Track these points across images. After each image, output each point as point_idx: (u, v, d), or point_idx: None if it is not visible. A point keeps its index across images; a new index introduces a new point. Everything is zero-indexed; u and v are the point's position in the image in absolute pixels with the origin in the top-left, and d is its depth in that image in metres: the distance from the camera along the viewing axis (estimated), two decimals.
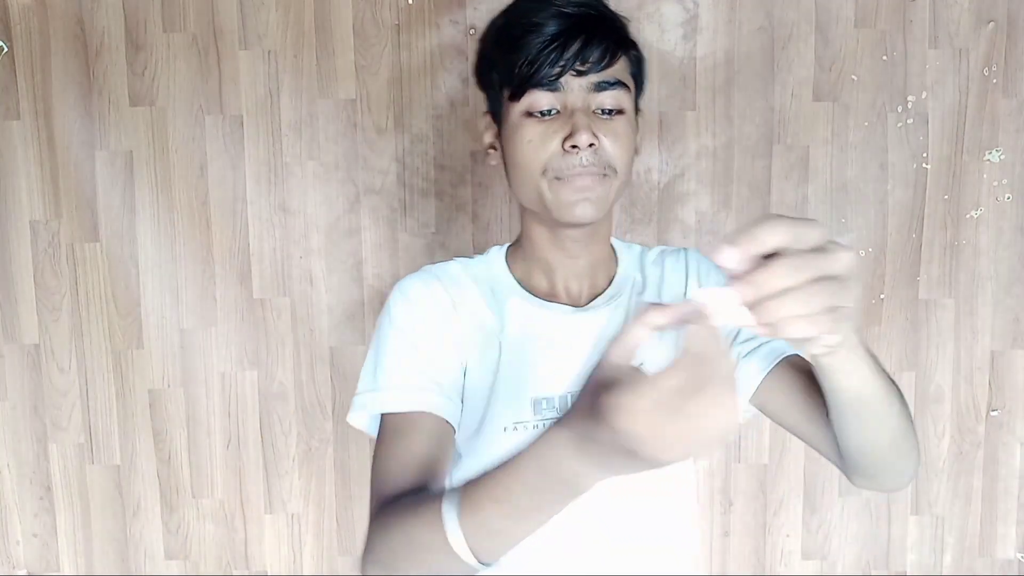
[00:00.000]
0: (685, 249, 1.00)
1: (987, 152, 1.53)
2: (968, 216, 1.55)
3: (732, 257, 0.46)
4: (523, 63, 0.81)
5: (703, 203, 1.55)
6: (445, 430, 0.82)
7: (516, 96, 0.83)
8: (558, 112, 0.82)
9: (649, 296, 0.93)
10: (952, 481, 1.62)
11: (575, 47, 0.80)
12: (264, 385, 1.59)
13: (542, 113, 0.82)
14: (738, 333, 0.90)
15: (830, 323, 0.48)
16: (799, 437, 0.86)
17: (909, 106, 1.52)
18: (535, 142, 0.82)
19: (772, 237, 0.46)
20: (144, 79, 1.51)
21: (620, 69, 0.85)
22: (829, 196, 1.55)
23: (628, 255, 0.97)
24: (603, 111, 0.83)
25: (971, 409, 1.60)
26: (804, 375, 0.84)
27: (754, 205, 1.53)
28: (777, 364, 0.87)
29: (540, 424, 0.85)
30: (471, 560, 0.60)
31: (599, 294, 0.93)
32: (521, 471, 0.55)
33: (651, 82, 1.51)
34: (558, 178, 0.82)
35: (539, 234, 0.90)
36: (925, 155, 1.53)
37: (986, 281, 1.57)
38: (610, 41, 0.83)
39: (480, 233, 1.55)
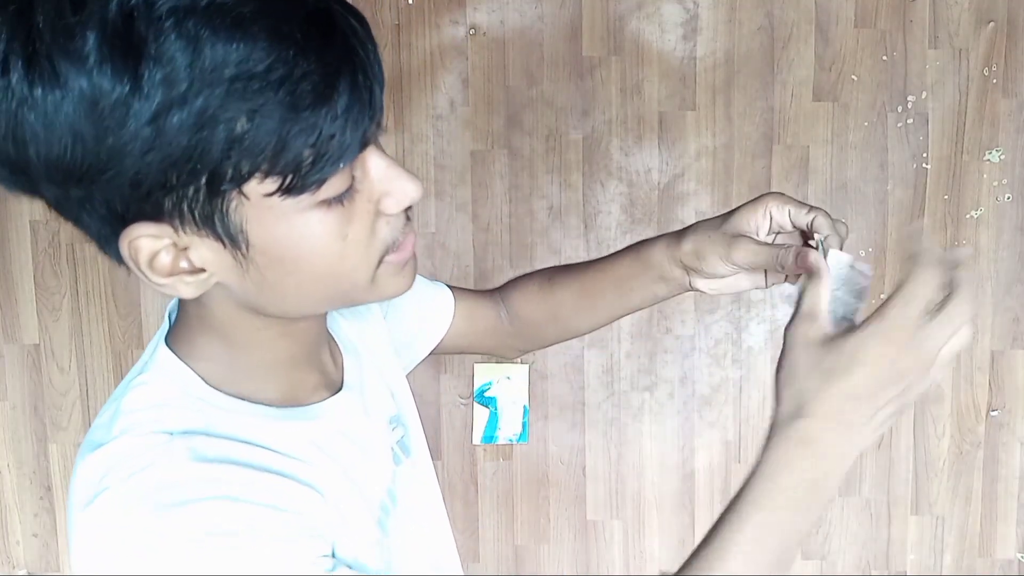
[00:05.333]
0: None
1: (987, 152, 1.53)
2: (968, 216, 1.55)
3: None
4: (309, 138, 0.44)
5: (703, 203, 1.55)
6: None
7: (302, 189, 0.46)
8: (350, 186, 0.49)
9: (367, 357, 0.71)
10: (952, 481, 1.62)
11: (363, 81, 0.46)
12: None
13: (339, 199, 0.49)
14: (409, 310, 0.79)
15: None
16: (470, 351, 0.85)
17: (909, 106, 1.52)
18: (355, 234, 0.50)
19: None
20: None
21: None
22: (829, 196, 1.55)
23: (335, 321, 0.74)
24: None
25: (971, 409, 1.60)
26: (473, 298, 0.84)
27: None
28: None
29: (388, 523, 0.64)
30: None
31: (336, 355, 0.67)
32: (780, 479, 0.55)
33: (651, 82, 1.51)
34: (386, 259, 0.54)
35: (274, 336, 0.57)
36: (925, 155, 1.53)
37: (986, 281, 1.57)
38: (375, 44, 0.49)
39: (480, 233, 1.55)
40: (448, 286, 0.82)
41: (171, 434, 0.50)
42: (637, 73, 1.52)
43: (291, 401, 0.58)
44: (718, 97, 1.52)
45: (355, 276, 0.51)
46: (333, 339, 0.67)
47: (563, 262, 1.57)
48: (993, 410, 1.60)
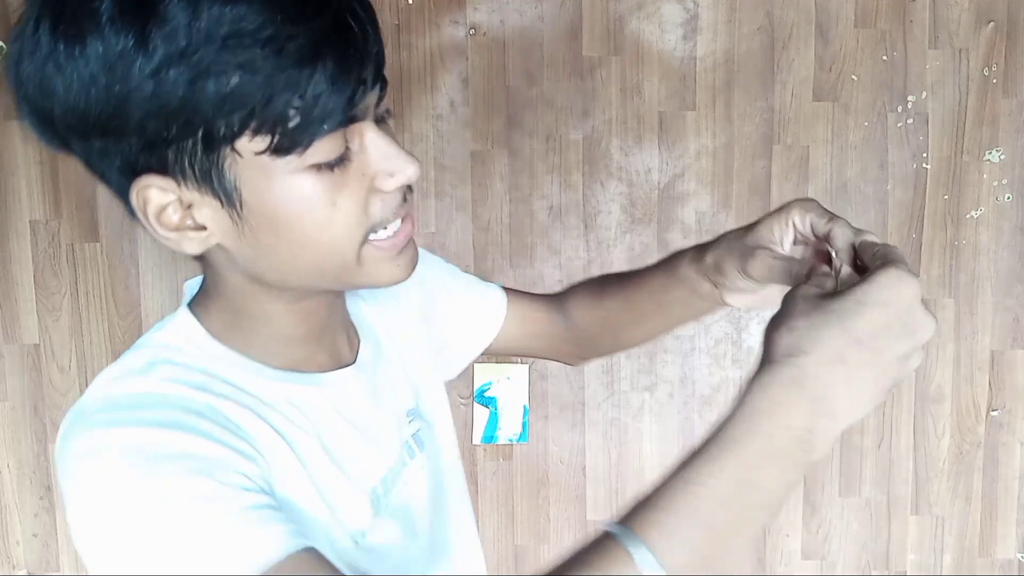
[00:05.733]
0: None
1: (987, 152, 1.53)
2: (968, 216, 1.55)
3: None
4: (296, 99, 0.47)
5: (703, 203, 1.55)
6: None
7: (289, 149, 0.49)
8: (344, 153, 0.51)
9: (386, 347, 0.72)
10: (952, 481, 1.62)
11: (356, 50, 0.49)
12: None
13: (330, 165, 0.51)
14: (450, 304, 0.79)
15: None
16: (528, 354, 0.84)
17: (909, 106, 1.52)
18: (345, 202, 0.52)
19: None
20: None
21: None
22: (829, 196, 1.55)
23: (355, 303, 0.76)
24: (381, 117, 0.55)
25: (971, 409, 1.60)
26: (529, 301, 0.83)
27: (754, 205, 1.53)
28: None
29: (383, 517, 0.63)
30: None
31: (351, 335, 0.69)
32: (737, 449, 0.44)
33: (651, 82, 1.51)
34: (378, 238, 0.55)
35: (281, 311, 0.59)
36: (925, 155, 1.53)
37: (986, 281, 1.57)
38: (374, 17, 0.52)
39: (480, 233, 1.55)
40: (504, 288, 0.82)
41: (153, 363, 0.55)
42: (637, 73, 1.52)
43: (293, 368, 0.61)
44: (718, 97, 1.52)
45: (342, 248, 0.52)
46: (353, 327, 0.69)
47: (563, 262, 1.57)
48: (993, 410, 1.60)
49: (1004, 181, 1.54)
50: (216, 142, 0.48)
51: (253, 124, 0.47)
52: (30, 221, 1.55)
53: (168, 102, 0.46)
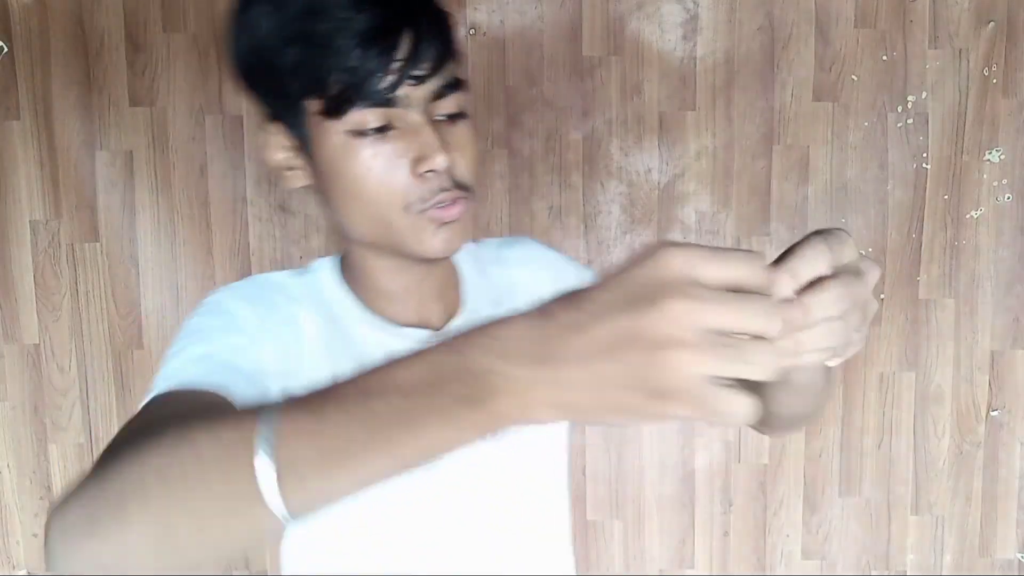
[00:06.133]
0: (516, 240, 0.89)
1: (987, 152, 1.53)
2: (968, 216, 1.55)
3: (788, 288, 0.40)
4: (340, 73, 0.60)
5: (703, 203, 1.54)
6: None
7: (334, 112, 0.62)
8: (392, 130, 0.63)
9: (507, 301, 0.72)
10: (952, 481, 1.62)
11: (406, 49, 0.61)
12: None
13: (369, 132, 0.63)
14: None
15: (851, 349, 0.44)
16: None
17: (909, 106, 1.52)
18: (378, 170, 0.63)
19: (817, 268, 0.40)
20: (144, 79, 1.51)
21: (455, 64, 0.68)
22: (829, 196, 1.55)
23: (464, 259, 0.82)
24: (444, 116, 0.66)
25: (971, 409, 1.60)
26: None
27: (754, 205, 1.53)
28: None
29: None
30: (277, 506, 0.40)
31: (454, 313, 0.76)
32: (391, 368, 0.40)
33: (651, 82, 1.51)
34: (418, 211, 0.65)
35: (379, 266, 0.71)
36: (925, 155, 1.53)
37: (986, 281, 1.57)
38: (444, 31, 0.65)
39: (479, 233, 1.55)
40: None
41: (293, 273, 0.74)
42: (637, 73, 1.52)
43: (386, 317, 0.73)
44: (718, 97, 1.52)
45: (380, 211, 0.64)
46: (459, 301, 0.78)
47: None
48: (993, 410, 1.60)
49: (1004, 181, 1.54)
50: (292, 99, 0.63)
51: (309, 88, 0.62)
52: (30, 221, 1.55)
53: (272, 62, 0.62)
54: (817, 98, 1.52)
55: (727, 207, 1.53)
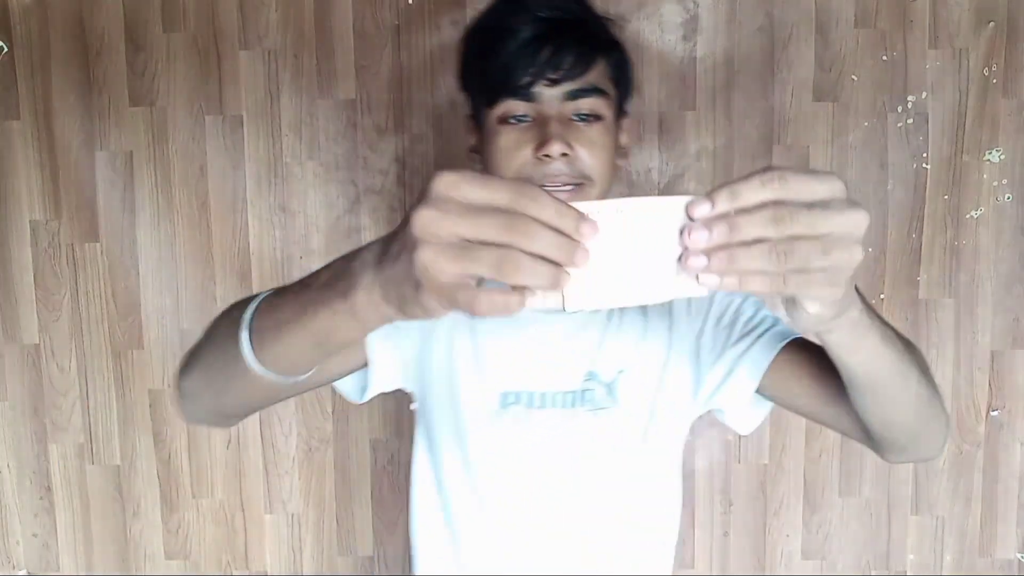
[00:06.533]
0: None
1: (987, 152, 1.53)
2: (968, 216, 1.55)
3: (703, 212, 0.44)
4: (496, 70, 0.80)
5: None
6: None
7: (490, 102, 0.82)
8: (532, 119, 0.81)
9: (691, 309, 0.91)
10: (952, 481, 1.62)
11: (547, 54, 0.79)
12: None
13: (516, 119, 0.81)
14: (742, 318, 0.86)
15: (804, 285, 0.45)
16: (819, 423, 0.82)
17: (909, 106, 1.52)
18: (508, 149, 0.81)
19: (759, 194, 0.44)
20: (144, 79, 1.51)
21: (597, 75, 0.82)
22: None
23: None
24: (579, 117, 0.81)
25: (971, 409, 1.60)
26: (815, 356, 0.79)
27: None
28: (784, 347, 0.81)
29: (506, 416, 0.86)
30: (250, 357, 0.60)
31: None
32: (319, 295, 0.54)
33: (651, 82, 1.51)
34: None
35: None
36: (925, 155, 1.53)
37: (986, 281, 1.57)
38: (585, 47, 0.81)
39: None
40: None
41: None
42: (637, 73, 1.51)
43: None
44: (718, 97, 1.52)
45: None
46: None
47: None
48: (993, 410, 1.60)
49: (1004, 181, 1.54)
50: (472, 94, 0.88)
51: (478, 83, 0.85)
52: (30, 221, 1.55)
53: (464, 69, 0.90)
54: (817, 98, 1.52)
55: None
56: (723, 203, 0.44)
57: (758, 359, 0.82)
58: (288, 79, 1.51)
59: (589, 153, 0.80)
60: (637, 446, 0.88)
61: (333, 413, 1.60)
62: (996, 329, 1.58)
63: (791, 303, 0.51)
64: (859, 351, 0.58)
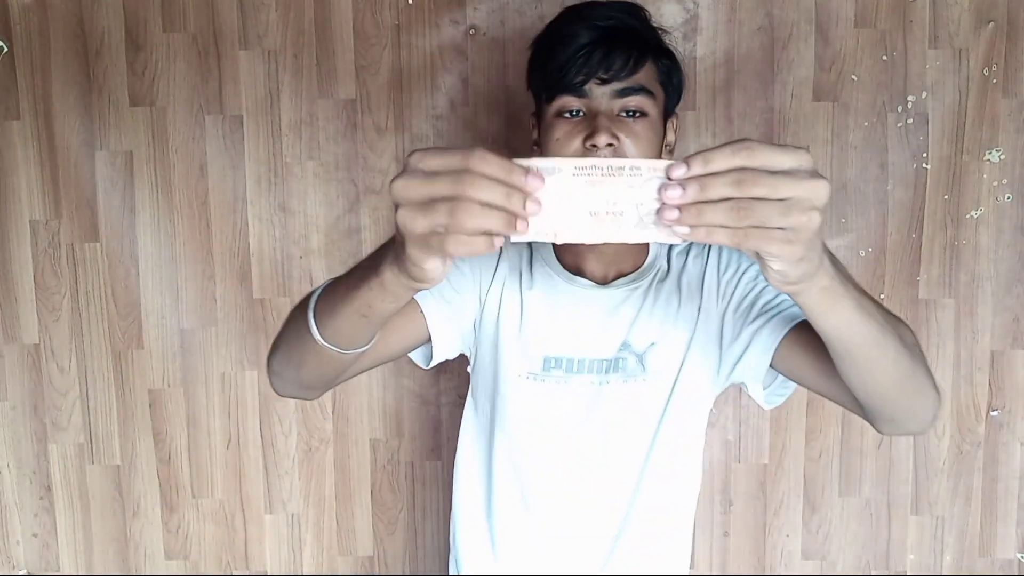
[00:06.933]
0: None
1: (987, 152, 1.53)
2: (968, 216, 1.55)
3: (679, 174, 0.53)
4: (554, 70, 0.92)
5: None
6: (414, 310, 0.95)
7: (549, 99, 0.93)
8: (584, 114, 0.91)
9: (669, 284, 1.01)
10: (952, 481, 1.62)
11: (599, 56, 0.89)
12: (264, 385, 1.59)
13: (571, 114, 0.92)
14: (760, 300, 0.94)
15: (763, 241, 0.53)
16: (824, 396, 0.88)
17: (909, 106, 1.52)
18: (561, 140, 0.90)
19: (728, 161, 0.52)
20: (144, 79, 1.51)
21: (645, 76, 0.93)
22: (829, 196, 1.54)
23: (659, 245, 1.03)
24: (627, 113, 0.91)
25: (971, 409, 1.60)
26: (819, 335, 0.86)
27: None
28: (794, 327, 0.88)
29: (548, 379, 0.98)
30: (315, 332, 0.75)
31: (623, 275, 1.02)
32: (363, 278, 0.67)
33: None
34: None
35: None
36: (925, 155, 1.53)
37: (986, 281, 1.57)
38: (634, 51, 0.91)
39: None
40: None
41: None
42: None
43: (572, 270, 1.03)
44: (718, 97, 1.52)
45: None
46: (630, 263, 1.03)
47: None
48: (993, 410, 1.60)
49: (1004, 181, 1.54)
50: (536, 92, 0.99)
51: (539, 83, 0.96)
52: (30, 221, 1.55)
53: (531, 70, 1.01)
54: (817, 98, 1.52)
55: None
56: (697, 167, 0.53)
57: (771, 336, 0.90)
58: (288, 79, 1.51)
59: (634, 145, 0.90)
60: (662, 415, 0.98)
61: (333, 413, 1.60)
62: (996, 329, 1.58)
63: (762, 262, 0.58)
64: (831, 316, 0.64)
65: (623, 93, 0.91)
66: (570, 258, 1.03)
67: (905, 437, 1.60)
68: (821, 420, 1.60)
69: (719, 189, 0.52)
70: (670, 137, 1.01)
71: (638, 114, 0.92)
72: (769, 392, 0.96)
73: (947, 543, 1.63)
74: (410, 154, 0.55)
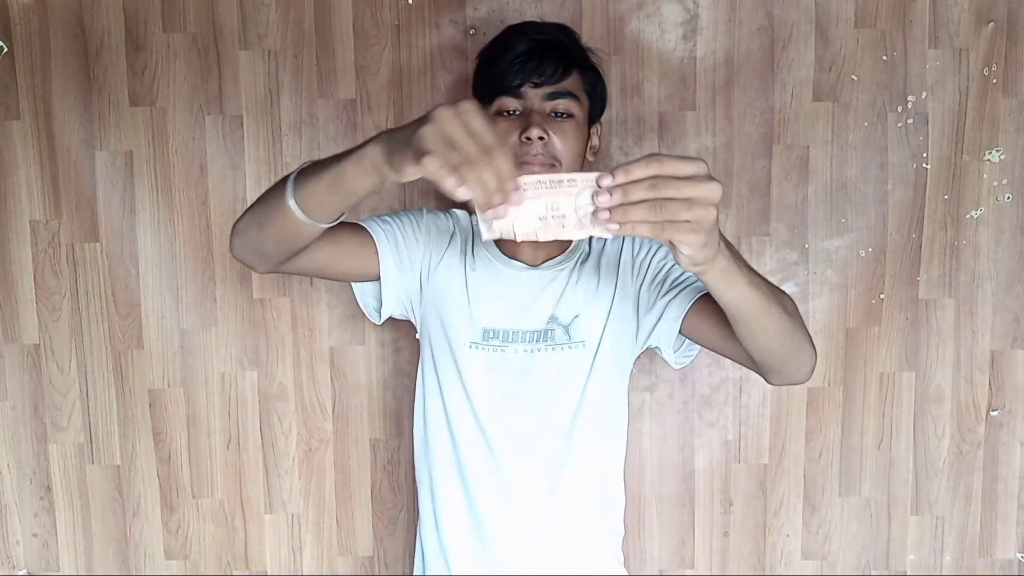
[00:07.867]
0: None
1: (987, 152, 1.53)
2: (968, 216, 1.55)
3: (607, 183, 0.69)
4: (495, 75, 1.10)
5: None
6: (366, 240, 1.13)
7: (490, 100, 1.11)
8: (520, 113, 1.09)
9: (590, 264, 1.17)
10: (952, 481, 1.62)
11: (533, 64, 1.07)
12: (264, 385, 1.59)
13: (508, 113, 1.09)
14: (670, 277, 1.11)
15: (674, 231, 0.68)
16: (726, 356, 1.05)
17: (909, 106, 1.52)
18: (500, 135, 1.03)
19: (644, 171, 0.68)
20: (144, 79, 1.51)
21: (572, 84, 1.11)
22: (829, 196, 1.55)
23: None
24: (556, 114, 1.09)
25: (971, 409, 1.60)
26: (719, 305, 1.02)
27: (754, 205, 1.53)
28: (699, 298, 1.04)
29: (486, 347, 1.14)
30: (289, 191, 0.87)
31: (552, 258, 1.17)
32: (346, 153, 0.81)
33: (651, 82, 1.52)
34: (518, 164, 0.99)
35: None
36: (925, 155, 1.53)
37: (986, 281, 1.57)
38: (563, 61, 1.09)
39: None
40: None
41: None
42: (637, 73, 1.52)
43: (509, 255, 1.19)
44: (718, 97, 1.52)
45: None
46: (567, 246, 1.19)
47: None
48: (993, 410, 1.60)
49: (1004, 181, 1.54)
50: (479, 96, 1.15)
51: (479, 85, 1.15)
52: (30, 221, 1.55)
53: (474, 76, 1.20)
54: (817, 98, 1.52)
55: (727, 207, 1.53)
56: (620, 177, 0.68)
57: (680, 305, 1.07)
58: (288, 79, 1.51)
59: (561, 141, 1.08)
60: (587, 376, 1.13)
61: (333, 413, 1.60)
62: (996, 329, 1.58)
63: (674, 249, 0.72)
64: (729, 290, 0.80)
65: (553, 96, 1.08)
66: (508, 244, 1.17)
67: (906, 438, 1.61)
68: (821, 420, 1.60)
69: (639, 193, 0.67)
70: (594, 141, 1.20)
71: (566, 115, 1.09)
72: (679, 354, 1.14)
73: (947, 543, 1.63)
74: (465, 100, 0.69)
